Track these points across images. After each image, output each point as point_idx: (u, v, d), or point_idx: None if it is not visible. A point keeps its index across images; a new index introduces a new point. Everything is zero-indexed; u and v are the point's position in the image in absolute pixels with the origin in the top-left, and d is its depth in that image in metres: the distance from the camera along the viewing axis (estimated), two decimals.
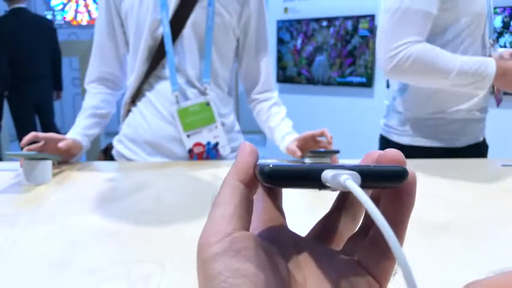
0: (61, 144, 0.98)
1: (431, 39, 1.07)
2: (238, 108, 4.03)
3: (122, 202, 0.78)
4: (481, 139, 1.23)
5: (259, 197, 0.27)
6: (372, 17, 3.37)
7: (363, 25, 3.41)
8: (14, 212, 0.72)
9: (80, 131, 1.08)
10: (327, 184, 0.19)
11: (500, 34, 2.83)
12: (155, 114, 1.09)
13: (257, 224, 0.26)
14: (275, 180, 0.20)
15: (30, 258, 0.56)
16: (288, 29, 3.79)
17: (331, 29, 3.56)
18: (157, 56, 1.05)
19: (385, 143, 1.25)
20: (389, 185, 0.20)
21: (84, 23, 4.89)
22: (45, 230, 0.65)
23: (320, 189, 0.20)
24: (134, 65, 1.08)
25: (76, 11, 4.88)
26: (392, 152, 0.22)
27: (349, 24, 3.46)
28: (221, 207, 0.22)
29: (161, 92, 1.07)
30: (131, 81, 1.10)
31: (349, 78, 3.53)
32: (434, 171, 1.02)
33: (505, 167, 1.04)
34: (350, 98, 3.57)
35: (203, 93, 1.08)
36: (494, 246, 0.61)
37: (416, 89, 1.16)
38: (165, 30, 1.02)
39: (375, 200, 0.24)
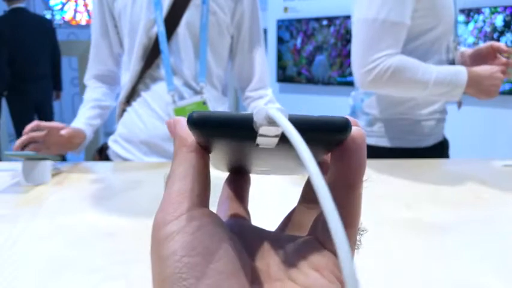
0: (63, 132, 0.98)
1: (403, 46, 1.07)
2: (237, 107, 4.03)
3: (121, 202, 0.78)
4: (442, 138, 1.26)
5: (224, 198, 0.27)
6: None
7: None
8: (13, 213, 0.72)
9: (83, 120, 1.08)
10: (259, 130, 0.17)
11: (501, 33, 2.83)
12: (151, 114, 1.08)
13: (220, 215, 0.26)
14: (203, 127, 0.18)
15: (30, 259, 0.55)
16: (288, 28, 3.79)
17: (332, 28, 3.56)
18: (152, 56, 1.05)
19: None
20: (330, 136, 0.18)
21: (84, 22, 4.89)
22: (44, 231, 0.65)
23: (257, 144, 0.18)
24: (129, 65, 1.08)
25: (75, 11, 4.88)
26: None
27: (350, 24, 3.46)
28: (176, 182, 0.20)
29: (157, 92, 1.07)
30: (126, 80, 1.10)
31: (350, 78, 3.53)
32: (434, 171, 1.01)
33: (506, 168, 1.03)
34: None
35: (199, 92, 1.08)
36: (494, 247, 0.61)
37: (380, 94, 1.17)
38: (159, 29, 1.01)
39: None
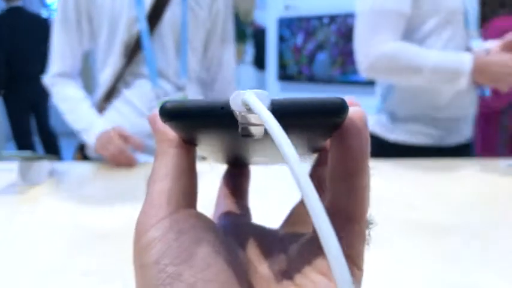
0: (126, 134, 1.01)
1: (407, 35, 1.08)
2: None
3: (118, 203, 0.77)
4: (468, 139, 1.23)
5: (221, 195, 0.25)
6: None
7: None
8: (9, 213, 0.71)
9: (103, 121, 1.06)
10: (238, 118, 0.15)
11: None
12: (133, 111, 1.07)
13: (217, 212, 0.24)
14: (178, 118, 0.16)
15: (26, 260, 0.55)
16: (289, 26, 3.78)
17: (333, 26, 3.55)
18: (133, 53, 1.03)
19: (375, 141, 1.23)
20: (322, 120, 0.15)
21: None
22: (40, 231, 0.64)
23: (242, 134, 0.16)
24: (107, 61, 1.06)
25: None
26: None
27: (351, 22, 3.44)
28: (157, 182, 0.18)
29: (139, 89, 1.06)
30: (104, 79, 1.08)
31: (352, 77, 3.51)
32: (436, 171, 1.00)
33: (509, 167, 1.02)
34: (352, 96, 3.56)
35: (181, 89, 1.08)
36: (497, 247, 0.60)
37: (404, 88, 1.16)
38: (141, 27, 1.01)
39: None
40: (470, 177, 0.93)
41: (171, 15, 1.03)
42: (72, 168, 1.01)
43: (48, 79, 1.10)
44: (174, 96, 1.06)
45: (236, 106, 0.15)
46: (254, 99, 0.14)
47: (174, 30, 1.04)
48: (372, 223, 0.19)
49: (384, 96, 1.22)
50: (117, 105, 1.08)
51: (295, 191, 0.20)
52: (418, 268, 0.53)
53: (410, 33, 1.08)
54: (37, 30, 2.94)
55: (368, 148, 0.17)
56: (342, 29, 3.52)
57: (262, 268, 0.19)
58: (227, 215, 0.23)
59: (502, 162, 1.05)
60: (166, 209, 0.17)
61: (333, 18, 3.54)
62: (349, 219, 0.17)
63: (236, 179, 0.26)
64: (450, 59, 1.02)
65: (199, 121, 0.16)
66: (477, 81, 1.03)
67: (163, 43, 1.04)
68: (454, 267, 0.54)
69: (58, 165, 1.02)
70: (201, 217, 0.18)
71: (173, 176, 0.18)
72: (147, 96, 1.06)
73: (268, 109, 0.14)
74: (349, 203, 0.17)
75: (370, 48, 1.04)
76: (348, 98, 0.17)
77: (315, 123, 0.16)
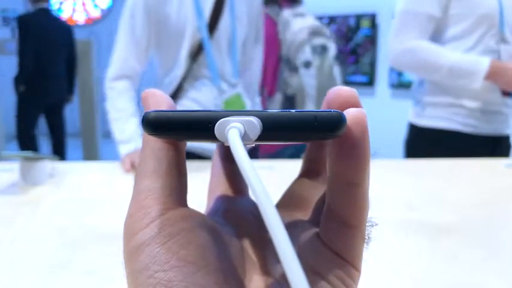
0: None
1: (436, 36, 1.18)
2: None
3: (119, 202, 0.77)
4: (502, 133, 1.25)
5: (215, 161, 0.24)
6: (373, 16, 3.36)
7: (365, 23, 3.40)
8: (10, 213, 0.71)
9: None
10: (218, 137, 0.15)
11: None
12: (199, 108, 1.15)
13: (213, 197, 0.23)
14: (161, 130, 0.15)
15: (27, 260, 0.55)
16: None
17: (333, 27, 3.54)
18: (196, 57, 1.16)
19: (411, 128, 1.30)
20: (317, 136, 0.15)
21: (82, 22, 4.87)
22: (42, 231, 0.64)
23: (219, 142, 0.15)
24: (174, 65, 1.17)
25: (73, 10, 4.86)
26: (344, 92, 0.16)
27: (351, 22, 3.44)
28: (144, 180, 0.17)
29: (202, 88, 1.17)
30: (171, 80, 1.18)
31: (353, 77, 3.51)
32: (436, 171, 1.01)
33: (509, 167, 1.03)
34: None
35: (234, 86, 1.19)
36: (496, 247, 0.60)
37: (431, 81, 1.23)
38: (203, 35, 1.14)
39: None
40: (470, 177, 0.94)
41: (224, 25, 1.18)
42: (73, 169, 1.01)
43: (107, 82, 1.17)
44: (230, 93, 1.18)
45: (221, 137, 0.14)
46: (235, 141, 0.14)
47: (226, 36, 1.19)
48: (372, 225, 0.19)
49: (417, 85, 1.31)
50: (184, 103, 1.18)
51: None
52: (418, 268, 0.54)
53: (439, 34, 1.18)
54: (61, 33, 2.97)
55: (369, 156, 0.16)
56: (342, 29, 3.52)
57: (257, 257, 0.19)
58: (223, 193, 0.22)
59: (502, 162, 1.06)
60: (154, 211, 0.16)
61: (332, 19, 3.54)
62: (349, 224, 0.16)
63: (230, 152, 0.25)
64: (468, 61, 1.11)
65: (185, 134, 0.15)
66: (493, 82, 1.12)
67: (220, 48, 1.18)
68: (454, 267, 0.54)
69: (59, 166, 1.02)
70: (192, 216, 0.17)
71: (161, 172, 0.17)
72: (210, 94, 1.17)
73: (254, 138, 0.14)
74: (348, 209, 0.16)
75: (394, 45, 1.18)
76: (351, 92, 0.16)
77: (311, 138, 0.15)
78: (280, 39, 1.54)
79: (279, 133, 0.15)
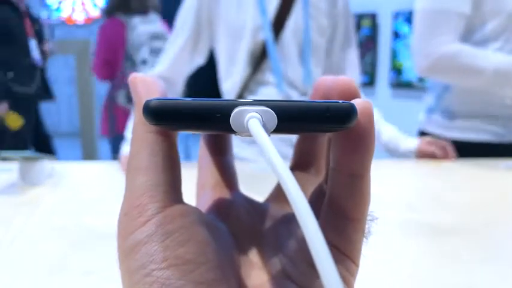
0: None
1: (467, 36, 1.09)
2: None
3: (118, 203, 0.76)
4: None
5: (203, 154, 0.23)
6: (373, 16, 3.36)
7: (365, 23, 3.40)
8: (9, 213, 0.71)
9: None
10: (236, 131, 0.14)
11: None
12: None
13: (203, 192, 0.22)
14: (167, 120, 0.14)
15: (26, 260, 0.54)
16: None
17: None
18: (259, 61, 1.03)
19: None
20: (328, 128, 0.14)
21: (81, 21, 4.87)
22: (41, 231, 0.64)
23: (235, 133, 0.15)
24: (232, 71, 1.05)
25: (73, 10, 4.85)
26: (343, 81, 0.16)
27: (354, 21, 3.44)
28: (140, 175, 0.16)
29: (266, 96, 1.05)
30: (229, 87, 1.06)
31: None
32: (437, 171, 1.01)
33: (509, 168, 1.03)
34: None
35: (306, 94, 1.07)
36: (497, 249, 0.60)
37: (461, 86, 1.16)
38: (266, 35, 1.00)
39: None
40: (470, 178, 0.94)
41: (293, 24, 1.03)
42: (72, 169, 1.01)
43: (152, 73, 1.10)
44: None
45: (237, 127, 0.14)
46: (258, 129, 0.13)
47: (296, 38, 1.04)
48: (372, 219, 0.18)
49: (440, 95, 1.22)
50: None
51: None
52: (417, 268, 0.54)
53: (469, 34, 1.09)
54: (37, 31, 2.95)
55: (374, 147, 0.16)
56: None
57: (253, 256, 0.19)
58: (213, 196, 0.22)
59: (502, 163, 1.06)
60: (151, 209, 0.16)
61: None
62: (350, 216, 0.16)
63: (219, 139, 0.23)
64: (511, 62, 1.03)
65: (191, 125, 0.14)
66: None
67: (286, 50, 1.04)
68: (454, 267, 0.54)
69: (58, 166, 1.02)
70: (190, 213, 0.17)
71: (156, 168, 0.16)
72: None
73: (272, 130, 0.14)
74: (350, 201, 0.16)
75: (431, 48, 1.05)
76: (352, 85, 0.16)
77: (321, 130, 0.15)
78: (126, 39, 1.80)
79: (291, 124, 0.14)
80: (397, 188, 0.86)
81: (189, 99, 0.14)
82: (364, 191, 0.16)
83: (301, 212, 0.11)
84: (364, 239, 0.17)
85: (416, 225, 0.67)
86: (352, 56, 1.16)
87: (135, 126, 0.17)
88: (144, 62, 1.78)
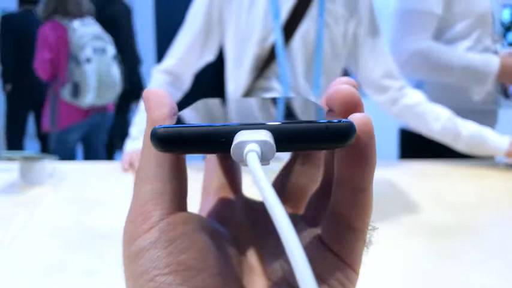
0: None
1: (438, 35, 1.14)
2: None
3: (119, 203, 0.76)
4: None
5: (209, 156, 0.24)
6: None
7: None
8: (9, 213, 0.71)
9: None
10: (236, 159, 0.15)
11: (508, 29, 2.81)
12: None
13: (207, 195, 0.23)
14: (172, 148, 0.15)
15: (27, 260, 0.54)
16: None
17: None
18: (265, 66, 0.99)
19: (404, 135, 1.27)
20: (327, 146, 0.15)
21: None
22: (41, 231, 0.64)
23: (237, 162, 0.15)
24: (237, 74, 1.02)
25: None
26: (344, 92, 0.16)
27: None
28: (145, 184, 0.17)
29: None
30: (233, 90, 1.04)
31: (351, 77, 3.51)
32: (437, 171, 1.01)
33: (509, 168, 1.03)
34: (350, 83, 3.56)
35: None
36: (497, 248, 0.60)
37: (431, 85, 1.20)
38: (277, 39, 0.97)
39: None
40: (470, 178, 0.93)
41: (305, 31, 0.98)
42: (73, 169, 1.01)
43: (155, 71, 1.07)
44: None
45: (237, 158, 0.14)
46: (254, 165, 0.14)
47: (305, 46, 1.00)
48: (372, 228, 0.19)
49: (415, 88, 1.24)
50: None
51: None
52: (418, 268, 0.54)
53: (440, 33, 1.14)
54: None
55: (375, 161, 0.16)
56: None
57: (253, 260, 0.19)
58: (215, 201, 0.22)
59: (502, 163, 1.05)
60: (155, 216, 0.16)
61: None
62: (352, 226, 0.17)
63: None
64: (479, 60, 1.09)
65: (195, 150, 0.15)
66: (502, 81, 1.11)
67: (294, 58, 1.00)
68: (454, 268, 0.54)
69: (59, 166, 1.02)
70: (192, 220, 0.17)
71: (162, 178, 0.17)
72: None
73: (271, 159, 0.14)
74: (353, 212, 0.16)
75: (404, 45, 1.11)
76: (353, 95, 0.16)
77: (321, 148, 0.15)
78: (68, 40, 1.97)
79: (290, 145, 0.15)
80: (397, 188, 0.86)
81: (193, 124, 0.15)
82: (366, 202, 0.16)
83: (294, 253, 0.12)
84: (365, 248, 0.18)
85: (416, 225, 0.67)
86: (380, 46, 1.07)
87: (145, 138, 0.18)
88: (88, 60, 1.96)
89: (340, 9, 1.01)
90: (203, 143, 0.15)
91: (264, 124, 0.15)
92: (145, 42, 4.58)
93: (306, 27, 0.99)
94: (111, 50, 2.06)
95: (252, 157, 0.14)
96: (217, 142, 0.15)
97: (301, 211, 0.20)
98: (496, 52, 1.15)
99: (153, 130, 0.15)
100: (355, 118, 0.15)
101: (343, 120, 0.15)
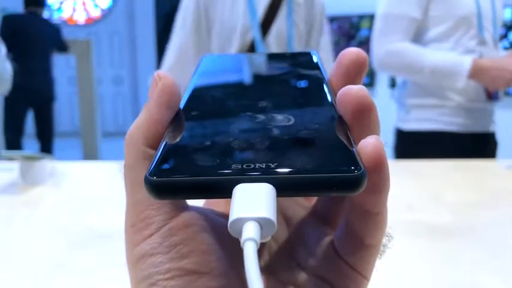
0: None
1: (417, 37, 1.19)
2: None
3: (119, 202, 0.76)
4: (489, 130, 1.25)
5: None
6: (373, 17, 3.36)
7: (365, 24, 3.40)
8: (9, 213, 0.71)
9: None
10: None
11: (510, 28, 2.82)
12: None
13: None
14: (167, 197, 0.15)
15: (27, 260, 0.54)
16: None
17: (334, 25, 3.54)
18: None
19: (397, 133, 1.30)
20: (333, 195, 0.14)
21: (82, 21, 4.87)
22: (41, 231, 0.64)
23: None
24: None
25: (74, 10, 4.85)
26: (356, 94, 0.16)
27: (354, 21, 3.44)
28: (142, 188, 0.16)
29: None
30: None
31: None
32: (435, 171, 1.01)
33: (509, 169, 1.02)
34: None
35: None
36: (496, 249, 0.60)
37: (414, 82, 1.24)
38: (255, 35, 1.03)
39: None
40: (470, 178, 0.93)
41: (277, 28, 1.07)
42: (73, 169, 1.01)
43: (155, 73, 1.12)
44: None
45: (234, 232, 0.14)
46: (250, 255, 0.13)
47: (278, 43, 1.08)
48: (388, 236, 0.19)
49: (400, 88, 1.31)
50: None
51: None
52: (418, 268, 0.54)
53: (419, 36, 1.19)
54: (49, 32, 3.01)
55: (389, 187, 0.16)
56: (343, 30, 3.51)
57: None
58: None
59: (502, 163, 1.05)
60: (156, 222, 0.16)
61: (333, 19, 3.54)
62: (365, 244, 0.17)
63: None
64: (450, 60, 1.12)
65: (192, 197, 0.15)
66: (476, 81, 1.12)
67: (270, 51, 1.06)
68: (454, 267, 0.54)
69: (59, 165, 1.02)
70: (194, 220, 0.17)
71: None
72: None
73: (270, 236, 0.14)
74: (366, 231, 0.17)
75: (381, 46, 1.18)
76: (357, 93, 0.16)
77: (328, 196, 0.15)
78: None
79: (294, 194, 0.15)
80: (397, 188, 0.86)
81: (190, 173, 0.14)
82: (380, 223, 0.16)
83: None
84: (379, 256, 0.18)
85: (416, 225, 0.67)
86: (325, 43, 1.24)
87: (132, 132, 0.17)
88: None
89: (301, 8, 1.11)
90: (200, 192, 0.14)
91: (266, 176, 0.14)
92: (146, 42, 4.58)
93: (279, 25, 1.08)
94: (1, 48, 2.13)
95: (248, 248, 0.13)
96: (215, 192, 0.14)
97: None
98: (479, 54, 1.16)
99: (146, 178, 0.14)
100: (367, 144, 0.15)
101: (354, 168, 0.14)
